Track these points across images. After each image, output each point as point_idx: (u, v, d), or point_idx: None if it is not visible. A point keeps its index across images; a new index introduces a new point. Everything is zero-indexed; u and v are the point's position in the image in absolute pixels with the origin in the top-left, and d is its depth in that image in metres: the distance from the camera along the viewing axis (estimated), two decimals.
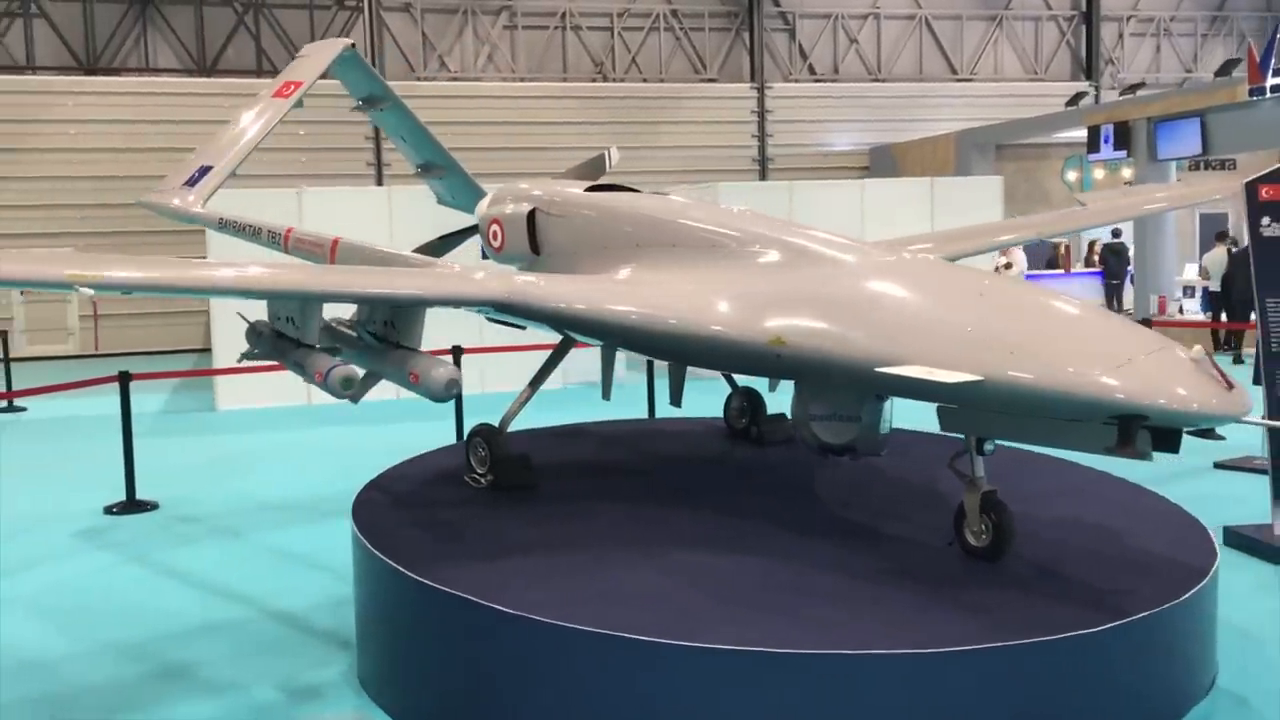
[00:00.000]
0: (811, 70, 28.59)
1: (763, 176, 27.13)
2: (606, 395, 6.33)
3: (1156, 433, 4.35)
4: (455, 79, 26.22)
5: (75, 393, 9.92)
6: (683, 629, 4.17)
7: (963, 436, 4.91)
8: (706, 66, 27.75)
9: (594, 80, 27.00)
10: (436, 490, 6.14)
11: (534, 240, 6.58)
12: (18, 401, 13.49)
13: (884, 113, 28.26)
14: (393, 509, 5.67)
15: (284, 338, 5.44)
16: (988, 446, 4.95)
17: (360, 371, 4.99)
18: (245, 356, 5.95)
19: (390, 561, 4.68)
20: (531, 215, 6.61)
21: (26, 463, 11.05)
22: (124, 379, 8.93)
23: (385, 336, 5.30)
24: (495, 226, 6.84)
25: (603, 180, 7.22)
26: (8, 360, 15.69)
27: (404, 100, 25.54)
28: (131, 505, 8.94)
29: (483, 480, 6.10)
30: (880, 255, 5.29)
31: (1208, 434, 4.36)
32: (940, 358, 4.55)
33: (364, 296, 5.21)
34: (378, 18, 25.26)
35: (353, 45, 8.53)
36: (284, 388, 14.27)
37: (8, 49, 23.89)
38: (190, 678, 5.40)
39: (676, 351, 5.57)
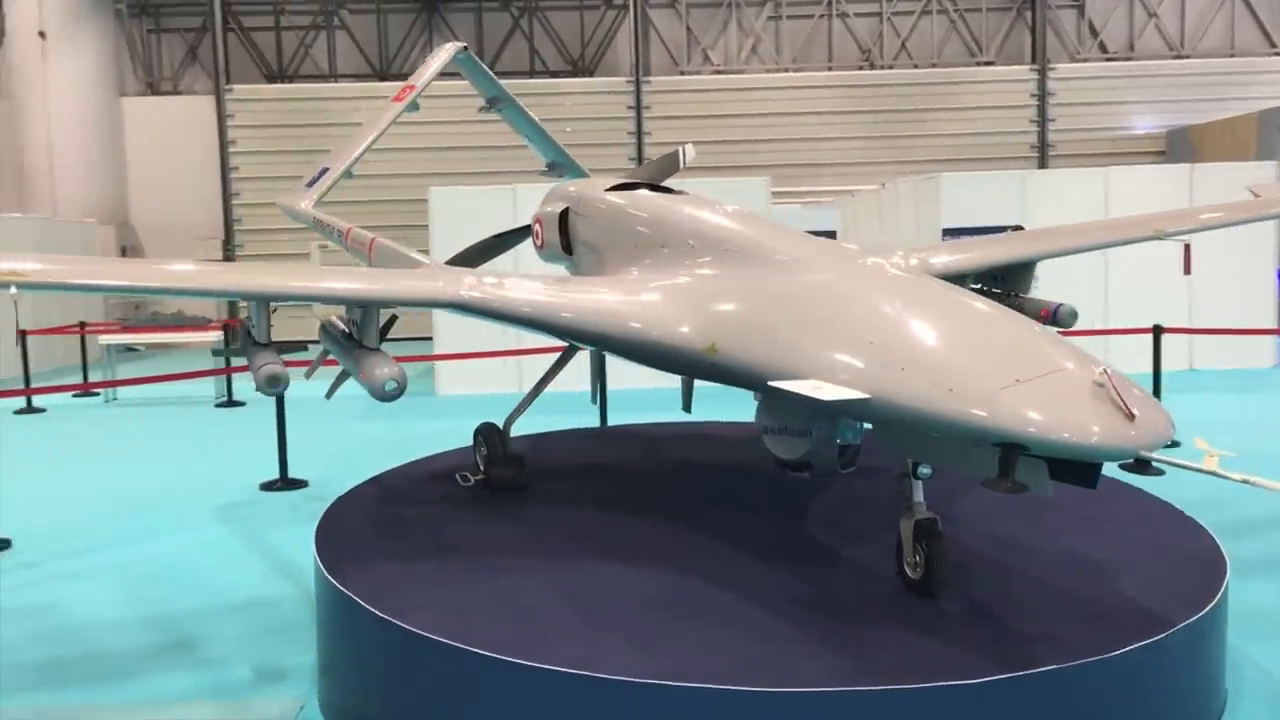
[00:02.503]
0: (1103, 48, 26.56)
1: (1042, 164, 25.51)
2: (593, 399, 6.23)
3: (1067, 465, 3.83)
4: (719, 72, 26.34)
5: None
6: (520, 646, 4.06)
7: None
8: (983, 49, 26.39)
9: (860, 69, 26.33)
10: (414, 498, 6.18)
11: (565, 239, 6.57)
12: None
13: (1186, 92, 25.84)
14: (364, 524, 5.71)
15: (249, 334, 5.66)
16: (923, 469, 4.50)
17: (282, 371, 5.16)
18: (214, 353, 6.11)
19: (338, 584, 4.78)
20: (564, 214, 6.60)
21: (234, 438, 12.20)
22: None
23: (353, 335, 5.48)
24: (538, 225, 6.88)
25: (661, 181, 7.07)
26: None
27: (668, 94, 25.49)
28: (284, 483, 9.68)
29: (471, 479, 6.17)
30: (838, 261, 4.93)
31: (1142, 466, 3.78)
32: (838, 372, 4.20)
33: (306, 295, 5.39)
34: (643, 14, 25.75)
35: (465, 47, 8.75)
36: (497, 375, 14.97)
37: (314, 60, 26.26)
38: (189, 653, 5.76)
39: (633, 356, 5.43)
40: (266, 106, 25.03)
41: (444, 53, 9.05)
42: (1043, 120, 25.84)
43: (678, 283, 5.32)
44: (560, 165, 9.29)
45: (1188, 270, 6.79)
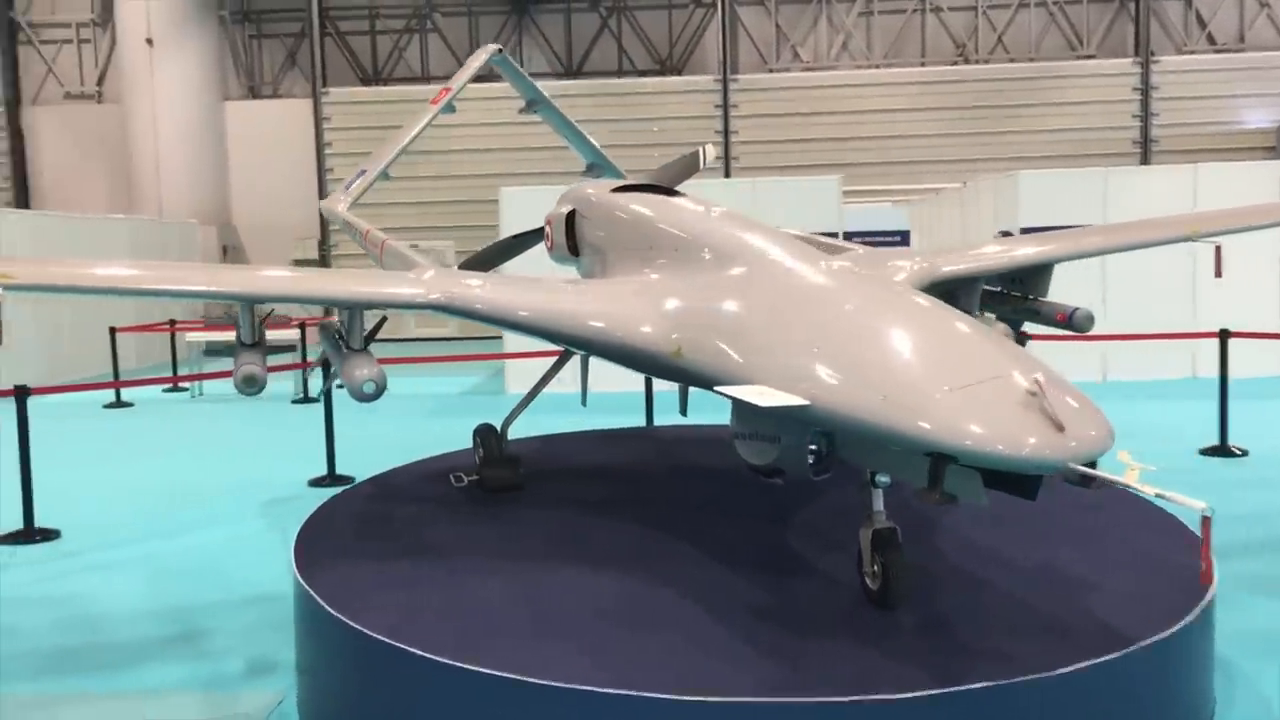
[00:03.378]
0: (1211, 40, 25.55)
1: (1145, 159, 24.67)
2: (583, 402, 6.22)
3: (1003, 475, 3.71)
4: (808, 69, 26.08)
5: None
6: (456, 648, 4.07)
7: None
8: (1084, 42, 25.62)
9: (955, 64, 25.80)
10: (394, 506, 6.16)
11: (572, 241, 6.57)
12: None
13: None
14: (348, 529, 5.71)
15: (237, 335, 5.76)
16: (880, 478, 4.38)
17: (259, 373, 5.26)
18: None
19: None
20: (570, 216, 6.60)
21: (298, 435, 12.52)
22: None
23: (343, 337, 5.57)
24: (548, 227, 6.90)
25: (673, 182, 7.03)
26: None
27: (755, 92, 25.29)
28: (332, 479, 9.89)
29: (465, 480, 6.22)
30: (805, 266, 4.84)
31: (1086, 480, 3.63)
32: (783, 377, 4.14)
33: (282, 296, 5.48)
34: (731, 12, 25.63)
35: (500, 50, 8.81)
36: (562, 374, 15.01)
37: (407, 62, 26.78)
38: (190, 645, 5.89)
39: (603, 355, 5.42)
40: (361, 109, 25.58)
41: (480, 55, 9.12)
42: (1145, 115, 24.99)
43: (650, 284, 5.31)
44: (598, 166, 9.32)
45: (1218, 273, 6.49)
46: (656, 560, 5.05)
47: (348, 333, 5.37)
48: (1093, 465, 3.50)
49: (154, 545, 8.03)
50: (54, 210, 25.94)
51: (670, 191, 6.29)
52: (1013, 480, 3.71)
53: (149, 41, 24.59)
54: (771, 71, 26.09)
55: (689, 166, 7.40)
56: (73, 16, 26.68)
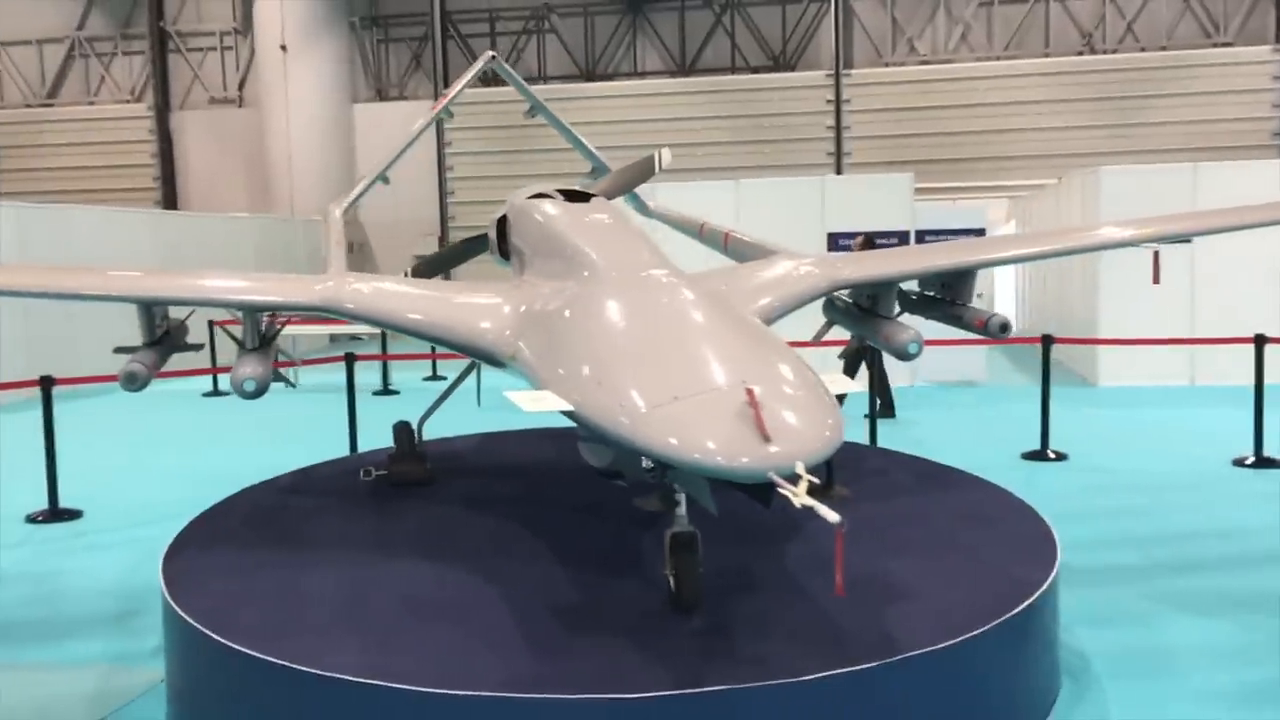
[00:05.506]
0: None
1: None
2: (478, 402, 6.35)
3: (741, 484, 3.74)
4: (925, 62, 25.47)
5: None
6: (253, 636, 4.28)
7: None
8: (1221, 29, 24.25)
9: (1080, 54, 24.78)
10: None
11: (503, 244, 6.72)
12: None
13: None
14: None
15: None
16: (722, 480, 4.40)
17: (138, 370, 5.57)
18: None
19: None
20: (502, 220, 6.75)
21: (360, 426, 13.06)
22: None
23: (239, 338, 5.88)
24: (491, 231, 7.07)
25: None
26: None
27: (869, 86, 24.95)
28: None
29: (373, 474, 6.46)
30: (621, 275, 4.90)
31: (824, 492, 3.64)
32: (563, 384, 4.26)
33: (187, 299, 5.79)
34: (846, 6, 25.26)
35: (494, 56, 9.02)
36: (1168, 364, 14.80)
37: (525, 62, 27.34)
38: (131, 622, 6.32)
39: (472, 356, 5.60)
40: (481, 109, 26.23)
41: (478, 63, 9.35)
42: None
43: (514, 289, 5.49)
44: (599, 169, 9.44)
45: (1156, 279, 6.21)
46: (496, 556, 5.21)
47: (244, 332, 5.69)
48: (794, 478, 3.47)
49: (161, 528, 8.13)
50: (199, 210, 27.58)
51: (582, 198, 6.38)
52: (747, 487, 3.73)
53: (283, 48, 25.81)
54: (887, 65, 25.59)
55: (645, 170, 7.45)
56: (217, 25, 28.21)
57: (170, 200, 28.36)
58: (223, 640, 4.26)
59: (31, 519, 8.83)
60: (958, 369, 15.56)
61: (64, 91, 28.98)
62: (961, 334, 6.41)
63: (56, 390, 8.91)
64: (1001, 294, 24.28)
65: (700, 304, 4.52)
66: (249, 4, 26.61)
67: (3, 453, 10.89)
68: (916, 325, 6.14)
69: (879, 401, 12.74)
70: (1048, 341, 10.22)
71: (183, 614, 4.55)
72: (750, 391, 3.60)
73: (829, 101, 25.18)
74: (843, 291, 6.47)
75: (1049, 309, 19.49)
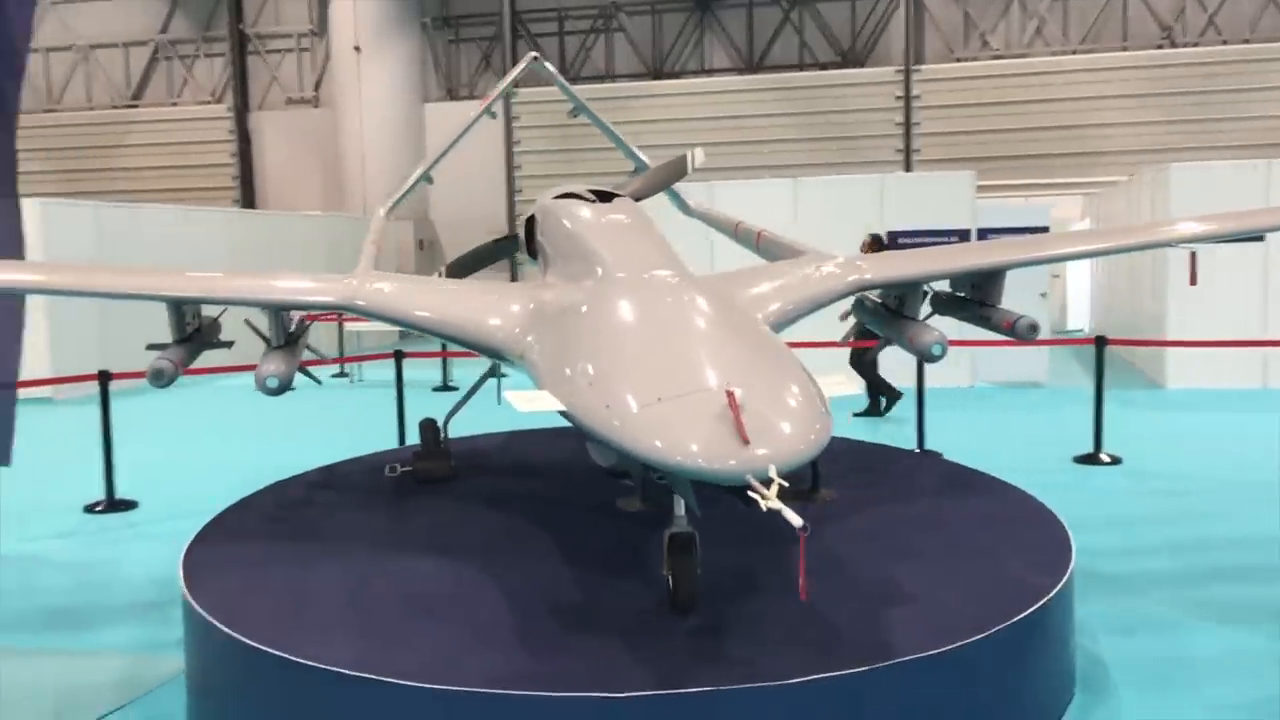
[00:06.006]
0: None
1: None
2: (498, 400, 6.34)
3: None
4: (997, 57, 25.05)
5: None
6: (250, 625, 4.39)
7: None
8: None
9: (1159, 47, 24.17)
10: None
11: (531, 244, 6.77)
12: None
13: None
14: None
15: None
16: (701, 482, 4.40)
17: (164, 366, 5.70)
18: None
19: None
20: (531, 220, 6.79)
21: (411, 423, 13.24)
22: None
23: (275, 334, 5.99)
24: (521, 231, 7.12)
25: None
26: None
27: (940, 82, 24.62)
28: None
29: (398, 470, 6.56)
30: (624, 278, 4.91)
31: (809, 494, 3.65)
32: (559, 385, 4.30)
33: (207, 298, 5.91)
34: (917, 1, 24.93)
35: (536, 57, 9.08)
36: (1238, 367, 14.46)
37: (593, 61, 27.47)
38: (164, 611, 6.53)
39: (486, 355, 5.66)
40: (548, 108, 26.39)
41: (521, 64, 9.41)
42: None
43: (530, 289, 5.54)
44: (640, 168, 9.45)
45: (1193, 281, 6.04)
46: (506, 554, 5.22)
47: (270, 330, 5.81)
48: (768, 482, 3.45)
49: (202, 520, 8.78)
50: (275, 209, 28.17)
51: (607, 199, 6.39)
52: (729, 488, 3.72)
53: (357, 49, 26.23)
54: (959, 61, 25.22)
55: (677, 170, 7.44)
56: (294, 27, 28.77)
57: (248, 199, 29.01)
58: (229, 631, 4.37)
59: (89, 509, 9.11)
60: (1019, 370, 15.29)
61: (148, 93, 29.78)
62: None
63: (129, 384, 9.18)
64: (1075, 294, 23.82)
65: (700, 306, 4.52)
66: (325, 6, 27.08)
67: (73, 444, 11.23)
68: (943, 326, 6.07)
69: (873, 401, 12.85)
70: (1101, 343, 10.00)
71: (195, 605, 4.67)
72: (730, 394, 3.59)
73: (898, 98, 24.90)
74: (873, 292, 6.42)
75: (1120, 309, 19.06)
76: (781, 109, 25.53)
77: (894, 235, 14.97)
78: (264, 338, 5.92)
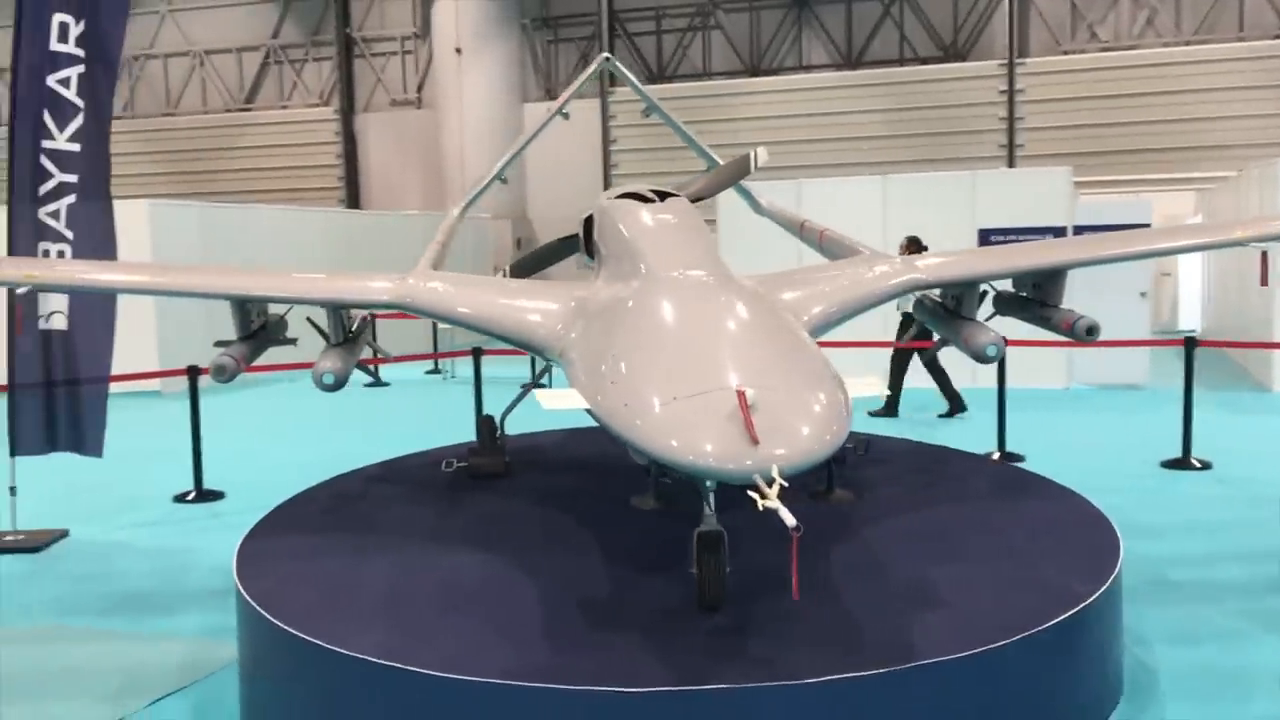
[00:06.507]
0: None
1: None
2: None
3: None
4: (1107, 49, 24.34)
5: None
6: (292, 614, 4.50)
7: None
8: None
9: (1277, 37, 23.21)
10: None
11: (589, 244, 6.82)
12: None
13: None
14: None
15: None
16: (708, 482, 4.40)
17: (226, 362, 5.87)
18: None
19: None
20: (589, 220, 6.83)
21: None
22: None
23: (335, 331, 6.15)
24: (580, 230, 7.18)
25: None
26: None
27: (1045, 75, 24.14)
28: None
29: (454, 464, 6.67)
30: (665, 278, 4.92)
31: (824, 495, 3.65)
32: (587, 383, 4.36)
33: (271, 296, 6.07)
34: None
35: (608, 57, 9.14)
36: None
37: (690, 59, 27.48)
38: (225, 598, 6.77)
39: (533, 352, 5.73)
40: (638, 106, 26.52)
41: (593, 65, 9.47)
42: None
43: (578, 290, 5.59)
44: (713, 168, 9.44)
45: (1264, 281, 5.82)
46: (554, 551, 5.28)
47: (329, 328, 5.98)
48: (770, 481, 3.44)
49: None
50: (379, 209, 28.81)
51: (660, 199, 6.40)
52: (742, 487, 3.71)
53: (458, 50, 26.69)
54: (1065, 54, 24.58)
55: (740, 169, 7.41)
56: (398, 30, 29.39)
57: (353, 199, 29.73)
58: (270, 618, 4.51)
59: (178, 499, 9.47)
60: (1117, 372, 14.85)
61: (260, 96, 30.72)
62: (1120, 336, 6.19)
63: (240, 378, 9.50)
64: (1186, 295, 23.07)
65: (730, 307, 4.51)
66: (428, 8, 27.60)
67: (174, 436, 11.66)
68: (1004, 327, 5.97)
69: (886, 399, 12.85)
70: (1190, 344, 9.68)
71: (244, 593, 4.83)
72: (741, 394, 3.59)
73: (1001, 92, 24.39)
74: (934, 292, 6.35)
75: (1229, 309, 18.38)
76: (881, 105, 25.19)
77: (986, 233, 14.69)
78: (324, 335, 6.09)
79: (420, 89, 29.43)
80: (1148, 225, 14.88)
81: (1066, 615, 4.26)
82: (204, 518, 8.97)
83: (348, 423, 13.64)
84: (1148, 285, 14.94)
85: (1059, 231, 14.47)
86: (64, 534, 8.26)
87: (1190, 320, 22.82)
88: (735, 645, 4.11)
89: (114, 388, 8.51)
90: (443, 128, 27.24)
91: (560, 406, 4.15)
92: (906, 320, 12.64)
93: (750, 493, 3.39)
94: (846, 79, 25.72)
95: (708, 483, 3.98)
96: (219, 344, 6.12)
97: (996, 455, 10.10)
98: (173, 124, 30.72)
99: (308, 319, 6.30)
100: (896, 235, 14.58)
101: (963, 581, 4.65)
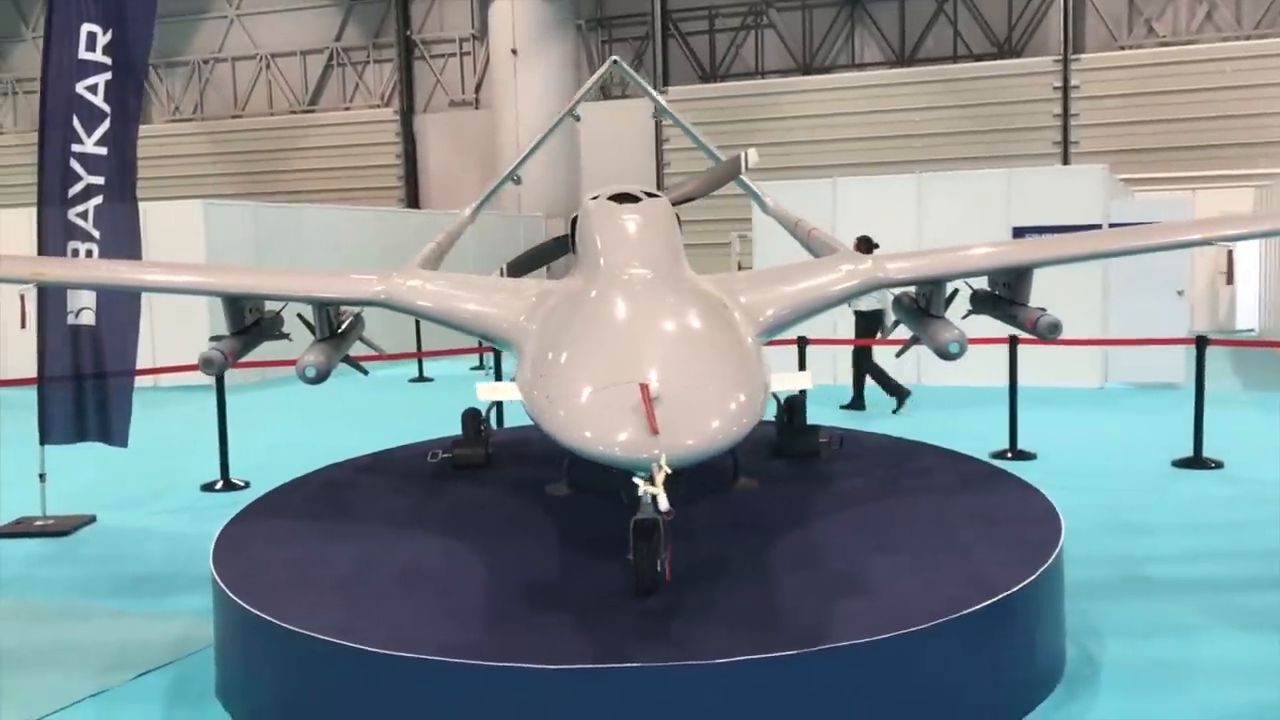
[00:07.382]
0: None
1: None
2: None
3: None
4: (1164, 44, 23.97)
5: None
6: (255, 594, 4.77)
7: None
8: None
9: None
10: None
11: (573, 242, 7.00)
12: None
13: None
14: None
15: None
16: (613, 468, 4.55)
17: (214, 356, 6.14)
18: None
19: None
20: (574, 220, 7.02)
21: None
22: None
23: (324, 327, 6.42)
24: (568, 228, 7.35)
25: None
26: None
27: (1100, 71, 23.81)
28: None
29: (439, 455, 6.93)
30: (616, 276, 5.10)
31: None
32: (521, 376, 4.57)
33: (257, 294, 6.33)
34: None
35: (616, 60, 9.34)
36: None
37: (743, 58, 27.57)
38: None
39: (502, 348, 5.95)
40: (699, 105, 26.67)
41: (602, 67, 9.67)
42: None
43: (548, 287, 5.79)
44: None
45: (1230, 280, 5.83)
46: (516, 538, 5.48)
47: (315, 323, 6.26)
48: (677, 471, 3.64)
49: None
50: (437, 208, 29.31)
51: (631, 201, 6.56)
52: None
53: (514, 51, 27.06)
54: (1122, 49, 24.24)
55: (731, 170, 7.56)
56: (456, 32, 29.91)
57: (413, 199, 30.30)
58: (234, 597, 4.79)
59: (206, 488, 9.87)
60: (1154, 371, 14.67)
61: (323, 98, 31.44)
62: (1158, 334, 6.25)
63: (277, 372, 9.81)
64: (1244, 293, 22.61)
65: (670, 304, 4.69)
66: (485, 10, 28.04)
67: (210, 427, 12.12)
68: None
69: (855, 394, 13.45)
70: (1202, 343, 9.61)
71: (214, 574, 5.12)
72: (644, 386, 3.77)
73: (1056, 88, 24.13)
74: (910, 289, 6.46)
75: None
76: (934, 102, 25.06)
77: (1020, 230, 14.62)
78: (311, 330, 6.37)
79: (478, 90, 29.91)
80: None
81: (986, 604, 4.37)
82: (227, 506, 9.24)
83: (382, 417, 14.01)
84: (1184, 284, 14.71)
85: (1093, 229, 14.34)
86: (91, 519, 8.69)
87: (1248, 320, 22.37)
88: (659, 627, 4.29)
89: (164, 380, 8.85)
90: (499, 128, 27.63)
91: (496, 398, 4.36)
92: (860, 318, 13.20)
93: (634, 478, 3.57)
94: (900, 76, 25.63)
95: (639, 473, 4.15)
96: (213, 339, 6.43)
97: (1009, 453, 10.12)
98: (239, 125, 31.58)
99: (298, 315, 6.57)
100: (932, 233, 14.62)
101: (896, 570, 4.79)
